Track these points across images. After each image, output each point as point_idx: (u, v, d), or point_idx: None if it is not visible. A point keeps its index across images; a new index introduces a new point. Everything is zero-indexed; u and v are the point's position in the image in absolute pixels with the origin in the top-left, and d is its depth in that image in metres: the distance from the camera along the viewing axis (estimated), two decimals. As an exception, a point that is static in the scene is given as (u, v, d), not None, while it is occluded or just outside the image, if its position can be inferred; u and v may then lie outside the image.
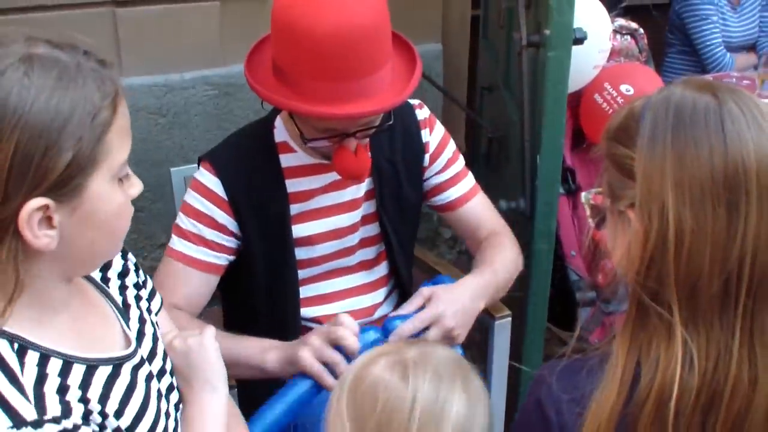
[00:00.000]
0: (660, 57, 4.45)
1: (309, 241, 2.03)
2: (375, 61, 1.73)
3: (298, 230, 2.02)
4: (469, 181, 2.18)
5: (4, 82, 1.07)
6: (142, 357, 1.37)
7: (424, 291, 1.86)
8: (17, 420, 1.09)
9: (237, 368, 1.81)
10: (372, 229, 2.11)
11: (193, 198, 1.96)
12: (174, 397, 1.44)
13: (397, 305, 2.12)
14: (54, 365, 1.19)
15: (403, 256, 2.14)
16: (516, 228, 2.47)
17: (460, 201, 2.17)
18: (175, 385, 1.48)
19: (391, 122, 1.88)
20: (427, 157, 2.10)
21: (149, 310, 1.49)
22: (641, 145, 1.14)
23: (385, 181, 2.06)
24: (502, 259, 2.06)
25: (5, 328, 1.15)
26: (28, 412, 1.11)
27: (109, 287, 1.43)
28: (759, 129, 1.12)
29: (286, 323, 2.02)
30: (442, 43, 3.88)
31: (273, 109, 2.04)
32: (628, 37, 3.20)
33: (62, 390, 1.17)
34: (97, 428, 1.21)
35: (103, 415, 1.22)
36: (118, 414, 1.25)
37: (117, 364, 1.29)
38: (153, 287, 1.56)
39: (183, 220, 1.97)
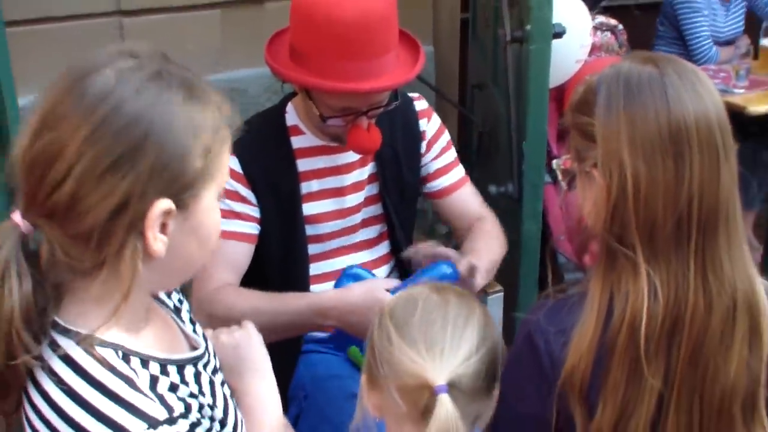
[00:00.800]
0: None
1: (316, 219, 2.20)
2: (387, 43, 1.97)
3: (308, 208, 2.19)
4: (460, 171, 2.36)
5: (145, 95, 1.15)
6: (209, 354, 1.44)
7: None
8: (151, 421, 1.13)
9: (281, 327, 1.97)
10: (375, 210, 2.28)
11: None
12: (227, 389, 1.48)
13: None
14: (154, 368, 1.22)
15: (403, 235, 2.31)
16: (506, 210, 2.66)
17: (451, 189, 2.34)
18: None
19: (398, 102, 2.10)
20: (424, 144, 2.28)
21: (188, 311, 1.56)
22: (599, 113, 1.33)
23: (387, 165, 2.24)
24: (487, 245, 2.22)
25: (104, 338, 1.18)
26: (159, 412, 1.15)
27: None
28: (695, 91, 1.31)
29: None
30: (433, 46, 4.07)
31: (284, 96, 2.24)
32: (608, 33, 3.36)
33: (173, 388, 1.23)
34: (208, 422, 1.29)
35: (210, 407, 1.31)
36: (212, 407, 1.33)
37: (195, 363, 1.36)
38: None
39: None
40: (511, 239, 2.57)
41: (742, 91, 3.85)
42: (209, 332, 1.57)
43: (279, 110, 2.21)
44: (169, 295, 1.47)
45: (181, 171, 1.16)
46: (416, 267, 2.13)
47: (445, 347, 1.29)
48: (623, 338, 1.32)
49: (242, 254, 2.12)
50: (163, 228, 1.16)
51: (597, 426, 1.35)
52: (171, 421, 1.16)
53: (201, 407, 1.27)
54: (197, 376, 1.32)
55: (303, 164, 2.17)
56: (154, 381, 1.20)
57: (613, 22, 3.41)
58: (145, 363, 1.21)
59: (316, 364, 2.22)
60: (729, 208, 1.33)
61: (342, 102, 1.98)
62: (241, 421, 1.43)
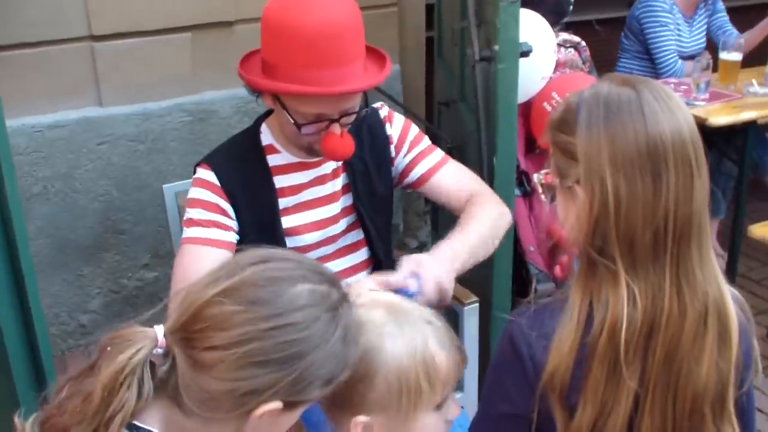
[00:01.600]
0: (603, 67, 4.70)
1: (296, 231, 2.27)
2: (354, 51, 2.06)
3: (287, 221, 2.27)
4: (437, 154, 2.40)
5: (319, 324, 1.30)
6: None
7: (412, 258, 2.02)
8: None
9: None
10: (351, 219, 2.36)
11: (195, 192, 2.21)
12: None
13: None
14: None
15: (380, 241, 2.38)
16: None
17: (431, 172, 2.37)
18: None
19: (367, 109, 2.20)
20: (392, 148, 2.36)
21: None
22: (580, 132, 1.41)
23: (357, 176, 2.31)
24: (479, 220, 2.23)
25: None
26: None
27: None
28: (670, 111, 1.40)
29: None
30: (399, 64, 4.14)
31: (257, 118, 2.32)
32: (572, 49, 3.45)
33: None
34: None
35: None
36: None
37: None
38: None
39: (191, 212, 2.20)
40: (483, 267, 2.64)
41: (703, 103, 3.96)
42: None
43: (254, 131, 2.30)
44: None
45: (307, 390, 1.31)
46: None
47: None
48: (603, 342, 1.40)
49: (220, 261, 2.16)
50: (262, 415, 1.30)
51: (577, 425, 1.44)
52: None
53: None
54: None
55: (279, 181, 2.25)
56: None
57: (576, 38, 3.50)
58: None
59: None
60: (701, 220, 1.42)
61: (314, 108, 2.06)
62: None
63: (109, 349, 1.30)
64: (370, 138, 2.32)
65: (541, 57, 3.12)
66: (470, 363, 2.51)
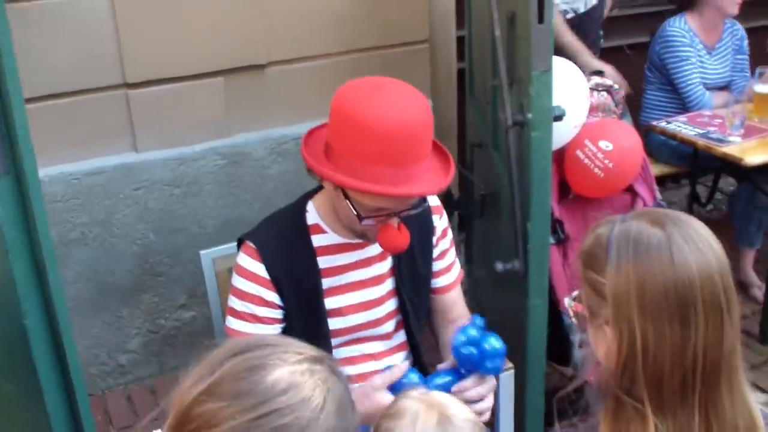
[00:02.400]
0: (638, 93, 4.69)
1: (340, 312, 2.29)
2: (425, 150, 2.07)
3: (330, 303, 2.28)
4: (455, 271, 2.48)
5: (306, 404, 1.28)
6: None
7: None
8: None
9: None
10: (393, 303, 2.38)
11: (240, 282, 2.23)
12: None
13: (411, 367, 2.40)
14: None
15: (417, 325, 2.40)
16: (512, 286, 2.73)
17: (445, 289, 2.46)
18: None
19: (426, 204, 2.22)
20: (434, 239, 2.37)
21: None
22: (609, 273, 1.42)
23: (403, 259, 2.33)
24: None
25: None
26: None
27: None
28: (699, 253, 1.40)
29: None
30: (431, 98, 4.14)
31: (302, 196, 2.33)
32: (605, 93, 3.44)
33: None
34: None
35: None
36: None
37: None
38: None
39: (236, 303, 2.23)
40: (514, 314, 2.66)
41: (738, 139, 3.90)
42: None
43: (299, 209, 2.30)
44: None
45: None
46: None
47: None
48: None
49: None
50: None
51: None
52: None
53: None
54: None
55: (324, 261, 2.27)
56: None
57: (608, 82, 3.48)
58: None
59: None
60: (732, 360, 1.42)
61: (378, 203, 2.06)
62: None
63: None
64: (418, 222, 2.32)
65: (574, 106, 3.11)
66: (506, 428, 2.55)
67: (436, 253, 2.39)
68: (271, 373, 1.29)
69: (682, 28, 4.43)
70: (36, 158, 3.29)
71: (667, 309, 1.37)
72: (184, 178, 3.67)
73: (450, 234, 2.44)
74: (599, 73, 3.59)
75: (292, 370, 1.31)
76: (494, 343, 2.08)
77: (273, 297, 2.22)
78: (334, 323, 2.28)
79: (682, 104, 4.42)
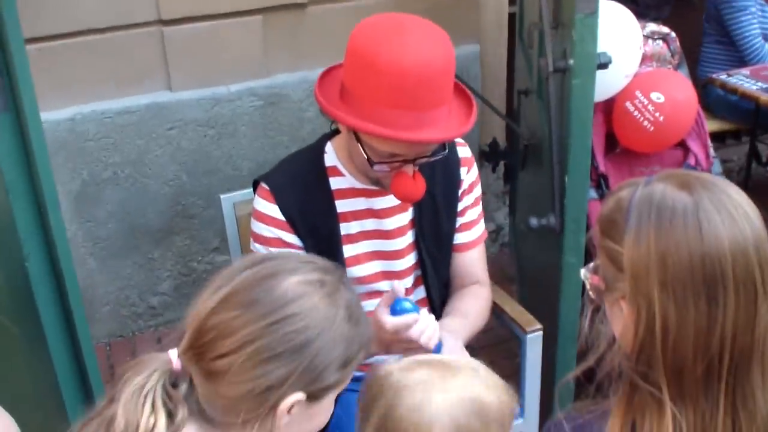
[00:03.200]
0: (697, 48, 4.47)
1: (357, 260, 2.19)
2: (444, 94, 1.93)
3: (348, 250, 2.18)
4: (478, 229, 2.32)
5: (318, 310, 1.34)
6: None
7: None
8: None
9: None
10: (415, 256, 2.26)
11: (259, 227, 2.14)
12: None
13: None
14: None
15: (436, 281, 2.27)
16: (546, 242, 2.60)
17: (465, 246, 2.31)
18: None
19: (445, 152, 2.07)
20: (459, 192, 2.23)
21: None
22: (628, 243, 1.25)
23: (424, 211, 2.20)
24: (477, 309, 2.26)
25: None
26: None
27: None
28: (732, 222, 1.21)
29: None
30: (479, 44, 3.97)
31: (323, 135, 2.21)
32: (660, 41, 3.23)
33: None
34: None
35: None
36: None
37: None
38: None
39: (259, 249, 2.15)
40: (551, 272, 2.52)
41: (801, 93, 3.67)
42: None
43: (318, 150, 2.19)
44: None
45: (324, 376, 1.35)
46: None
47: None
48: None
49: None
50: (289, 409, 1.34)
51: None
52: None
53: None
54: None
55: (342, 205, 2.16)
56: None
57: (665, 29, 3.27)
58: None
59: (353, 405, 2.21)
60: (765, 345, 1.24)
61: (391, 148, 1.95)
62: None
63: (126, 374, 1.36)
64: (444, 174, 2.21)
65: (626, 54, 2.93)
66: (532, 390, 2.43)
67: (459, 207, 2.25)
68: (282, 282, 1.34)
69: None
70: (66, 95, 3.31)
71: (692, 286, 1.20)
72: (219, 118, 3.57)
73: (477, 190, 2.30)
74: (657, 19, 3.38)
75: (302, 279, 1.36)
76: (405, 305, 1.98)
77: (292, 239, 2.14)
78: (351, 272, 2.18)
79: (741, 59, 4.18)
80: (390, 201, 2.16)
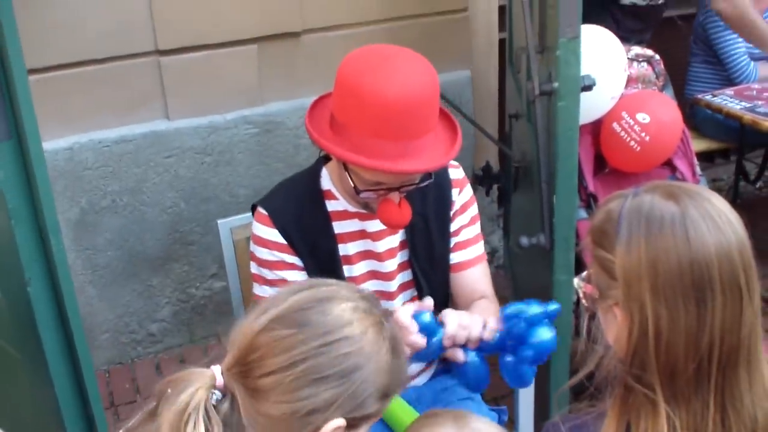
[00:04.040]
0: (686, 67, 4.53)
1: (354, 281, 2.24)
2: (428, 124, 1.98)
3: (348, 270, 2.24)
4: (478, 248, 2.36)
5: (368, 337, 1.38)
6: None
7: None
8: None
9: None
10: (405, 276, 2.30)
11: (261, 252, 2.19)
12: None
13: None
14: None
15: (433, 300, 2.32)
16: (537, 261, 2.65)
17: (460, 266, 2.35)
18: None
19: (431, 180, 2.10)
20: (450, 213, 2.29)
21: None
22: (620, 253, 1.32)
23: (416, 233, 2.25)
24: (485, 310, 2.24)
25: None
26: None
27: None
28: (717, 229, 1.29)
29: None
30: (470, 70, 4.04)
31: (318, 159, 2.27)
32: (645, 64, 3.30)
33: None
34: None
35: None
36: None
37: None
38: None
39: (264, 272, 2.20)
40: (544, 290, 2.58)
41: (788, 113, 3.73)
42: None
43: (314, 173, 2.25)
44: None
45: (366, 404, 1.36)
46: None
47: None
48: None
49: None
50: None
51: None
52: None
53: None
54: None
55: (338, 227, 2.22)
56: None
57: (649, 52, 3.34)
58: None
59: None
60: (750, 344, 1.32)
61: (376, 177, 2.00)
62: None
63: (169, 391, 1.34)
64: (436, 195, 2.26)
65: (611, 77, 3.00)
66: (526, 403, 2.48)
67: (453, 227, 2.30)
68: (337, 306, 1.37)
69: None
70: (65, 124, 3.37)
71: (682, 290, 1.28)
72: (216, 146, 3.63)
73: (472, 210, 2.34)
74: (640, 42, 3.45)
75: (356, 306, 1.39)
76: (544, 334, 1.97)
77: (294, 259, 2.19)
78: None
79: (728, 78, 4.25)
80: (381, 224, 2.21)
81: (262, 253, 2.19)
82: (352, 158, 1.94)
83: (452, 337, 1.99)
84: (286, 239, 2.17)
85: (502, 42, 3.99)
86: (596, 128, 3.18)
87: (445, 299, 2.38)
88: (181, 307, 3.83)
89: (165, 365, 3.80)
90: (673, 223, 1.30)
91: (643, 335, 1.31)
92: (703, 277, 1.27)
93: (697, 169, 3.29)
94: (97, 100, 3.44)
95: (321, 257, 2.20)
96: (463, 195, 2.31)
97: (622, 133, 3.05)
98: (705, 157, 4.56)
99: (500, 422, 2.33)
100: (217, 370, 1.37)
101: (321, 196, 2.21)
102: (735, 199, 4.57)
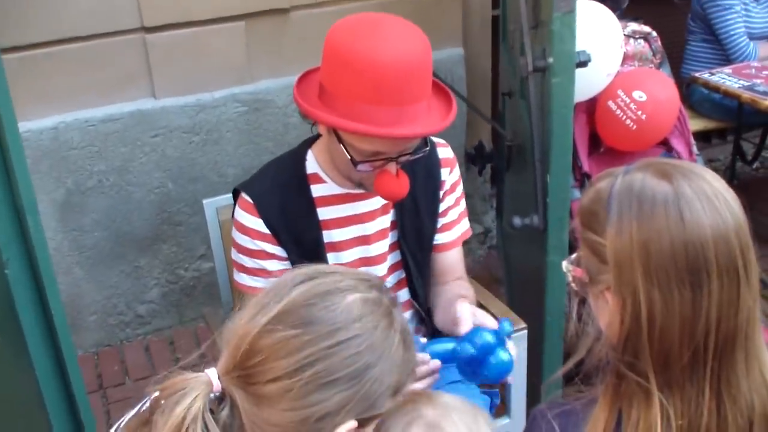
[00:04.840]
0: (682, 45, 4.48)
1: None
2: (423, 89, 1.92)
3: (332, 258, 2.18)
4: (460, 228, 2.31)
5: (378, 332, 1.26)
6: None
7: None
8: None
9: None
10: (395, 257, 2.25)
11: (243, 239, 2.13)
12: None
13: (417, 328, 2.30)
14: None
15: (421, 281, 2.27)
16: (531, 242, 2.60)
17: (446, 246, 2.30)
18: None
19: (427, 149, 2.04)
20: (440, 193, 2.23)
21: None
22: (610, 235, 1.25)
23: (406, 212, 2.20)
24: (471, 295, 2.24)
25: None
26: None
27: None
28: (713, 209, 1.22)
29: None
30: (463, 47, 3.97)
31: (304, 141, 2.20)
32: (642, 41, 3.24)
33: None
34: None
35: None
36: None
37: None
38: None
39: (244, 260, 2.14)
40: (537, 272, 2.53)
41: (786, 91, 3.67)
42: None
43: (299, 156, 2.17)
44: None
45: (378, 403, 1.27)
46: (444, 327, 2.12)
47: None
48: None
49: None
50: None
51: None
52: None
53: None
54: None
55: (324, 213, 2.15)
56: None
57: (646, 29, 3.28)
58: None
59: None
60: (748, 329, 1.25)
61: (373, 146, 1.93)
62: None
63: (163, 402, 1.23)
64: (425, 175, 2.20)
65: (607, 53, 2.94)
66: (518, 389, 2.43)
67: (441, 207, 2.25)
68: (344, 299, 1.26)
69: None
70: (49, 104, 3.31)
71: (676, 274, 1.20)
72: (204, 125, 3.56)
73: (459, 191, 2.29)
74: (636, 18, 3.38)
75: (364, 297, 1.27)
76: (502, 356, 1.87)
77: (276, 250, 2.12)
78: None
79: (726, 56, 4.19)
80: (372, 204, 2.16)
81: (244, 240, 2.13)
82: (350, 126, 1.87)
83: None
84: (269, 229, 2.10)
85: (495, 20, 3.93)
86: (591, 106, 3.13)
87: (428, 281, 2.33)
88: (169, 289, 3.78)
89: (154, 347, 3.75)
90: (666, 203, 1.22)
91: (636, 321, 1.24)
92: (698, 260, 1.20)
93: (694, 149, 3.24)
94: (82, 78, 3.36)
95: (305, 246, 2.13)
96: (453, 174, 2.26)
97: (618, 112, 3.00)
98: (701, 137, 4.51)
99: (492, 405, 2.28)
100: (212, 373, 1.26)
101: (306, 180, 2.14)
102: (732, 179, 4.51)
